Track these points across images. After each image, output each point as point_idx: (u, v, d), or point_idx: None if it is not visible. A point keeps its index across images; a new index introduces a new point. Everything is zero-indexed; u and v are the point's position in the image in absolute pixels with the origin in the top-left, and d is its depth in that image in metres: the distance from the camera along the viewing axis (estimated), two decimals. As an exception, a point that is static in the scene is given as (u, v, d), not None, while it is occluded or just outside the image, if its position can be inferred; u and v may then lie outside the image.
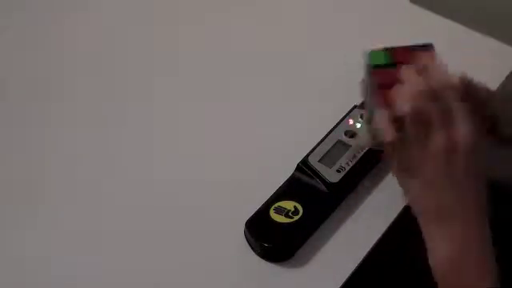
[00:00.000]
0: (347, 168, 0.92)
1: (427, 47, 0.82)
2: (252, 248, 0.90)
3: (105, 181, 0.97)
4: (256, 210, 0.91)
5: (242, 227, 0.90)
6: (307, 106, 1.02)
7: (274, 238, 0.89)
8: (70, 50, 1.10)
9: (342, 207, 0.93)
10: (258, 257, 0.89)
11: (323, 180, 0.92)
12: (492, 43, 1.08)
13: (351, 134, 0.95)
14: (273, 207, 0.91)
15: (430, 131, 0.74)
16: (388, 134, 0.76)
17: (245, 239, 0.91)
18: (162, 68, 1.08)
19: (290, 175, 0.93)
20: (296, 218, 0.90)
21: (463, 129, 0.74)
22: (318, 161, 0.93)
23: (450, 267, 0.77)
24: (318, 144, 0.94)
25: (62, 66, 1.09)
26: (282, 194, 0.92)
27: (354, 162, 0.93)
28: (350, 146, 0.94)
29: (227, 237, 0.91)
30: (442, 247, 0.77)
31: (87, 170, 0.98)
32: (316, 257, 0.90)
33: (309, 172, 0.93)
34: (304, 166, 0.93)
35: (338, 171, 0.92)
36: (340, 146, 0.94)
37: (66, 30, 1.13)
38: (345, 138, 0.95)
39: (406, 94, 0.75)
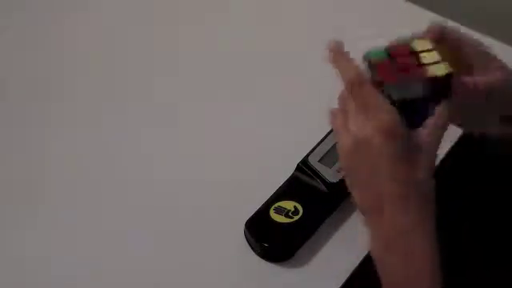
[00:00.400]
0: (347, 168, 0.92)
1: None
2: (252, 248, 0.90)
3: (105, 181, 0.97)
4: (256, 210, 0.91)
5: (242, 227, 0.90)
6: (307, 105, 1.02)
7: (274, 237, 0.89)
8: (69, 49, 1.11)
9: (342, 207, 0.93)
10: (258, 257, 0.90)
11: (323, 180, 0.92)
12: (491, 43, 1.08)
13: (351, 134, 0.94)
14: (273, 207, 0.91)
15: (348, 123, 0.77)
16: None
17: (245, 239, 0.91)
18: (162, 68, 1.08)
19: (290, 175, 0.94)
20: (296, 218, 0.90)
21: (375, 119, 0.75)
22: (318, 161, 0.93)
23: (381, 266, 0.77)
24: (318, 144, 0.94)
25: (62, 65, 1.09)
26: (282, 193, 0.92)
27: (354, 162, 0.93)
28: (350, 146, 0.94)
29: (227, 237, 0.91)
30: (377, 244, 0.77)
31: (87, 170, 0.98)
32: (316, 257, 0.90)
33: (309, 172, 0.93)
34: (304, 165, 0.93)
35: (338, 171, 0.92)
36: (340, 146, 0.94)
37: (65, 30, 1.13)
38: (345, 138, 0.94)
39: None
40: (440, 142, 0.77)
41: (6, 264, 0.90)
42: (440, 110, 0.77)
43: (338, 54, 0.81)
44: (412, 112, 0.78)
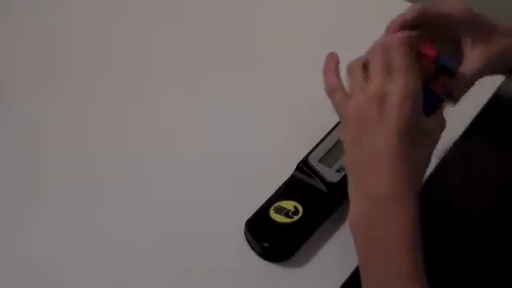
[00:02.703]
0: (347, 168, 0.92)
1: None
2: (252, 248, 0.90)
3: (104, 181, 0.97)
4: (256, 210, 0.91)
5: (242, 227, 0.90)
6: (307, 105, 1.02)
7: (274, 237, 0.89)
8: (69, 49, 1.11)
9: (342, 207, 0.93)
10: (258, 257, 0.90)
11: (323, 180, 0.92)
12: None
13: (351, 133, 0.94)
14: (273, 207, 0.91)
15: (369, 79, 0.78)
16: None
17: (245, 239, 0.91)
18: (162, 68, 1.08)
19: (289, 175, 0.93)
20: (296, 218, 0.90)
21: (397, 81, 0.76)
22: (318, 161, 0.93)
23: (363, 231, 0.77)
24: (318, 144, 0.94)
25: (61, 64, 1.09)
26: (282, 193, 0.92)
27: (354, 162, 0.93)
28: (350, 145, 0.94)
29: (227, 237, 0.91)
30: (359, 206, 0.77)
31: (86, 170, 0.98)
32: (316, 257, 0.90)
33: (309, 172, 0.93)
34: (304, 165, 0.93)
35: (338, 171, 0.92)
36: (340, 146, 0.93)
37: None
38: (345, 138, 0.94)
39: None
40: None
41: (6, 263, 0.90)
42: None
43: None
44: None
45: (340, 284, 0.88)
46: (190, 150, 0.99)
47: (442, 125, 0.80)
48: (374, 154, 0.76)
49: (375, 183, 0.76)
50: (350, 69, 0.81)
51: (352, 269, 0.89)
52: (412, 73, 0.76)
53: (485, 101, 1.00)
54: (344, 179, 0.92)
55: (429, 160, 0.79)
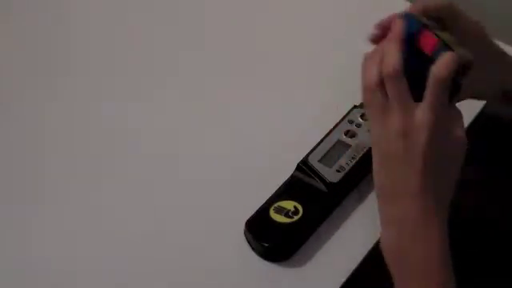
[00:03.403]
0: (347, 168, 0.92)
1: None
2: (252, 248, 0.90)
3: (104, 181, 0.97)
4: (256, 209, 0.91)
5: (242, 227, 0.90)
6: (307, 105, 1.02)
7: (274, 237, 0.89)
8: (69, 49, 1.11)
9: (342, 207, 0.93)
10: (258, 257, 0.90)
11: (323, 180, 0.92)
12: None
13: (351, 134, 0.95)
14: (273, 207, 0.91)
15: (388, 111, 0.76)
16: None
17: (245, 239, 0.91)
18: (162, 68, 1.08)
19: (289, 175, 0.94)
20: (296, 218, 0.90)
21: (420, 114, 0.75)
22: (318, 161, 0.93)
23: (396, 255, 0.77)
24: (318, 144, 0.94)
25: (61, 64, 1.08)
26: (281, 193, 0.92)
27: (353, 162, 0.93)
28: (350, 145, 0.94)
29: (227, 237, 0.91)
30: (390, 230, 0.77)
31: (86, 170, 0.98)
32: (316, 257, 0.90)
33: (309, 172, 0.93)
34: (304, 165, 0.93)
35: (338, 171, 0.92)
36: (340, 146, 0.94)
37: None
38: (345, 138, 0.95)
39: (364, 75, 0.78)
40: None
41: (5, 263, 0.90)
42: None
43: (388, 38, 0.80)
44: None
45: (340, 284, 0.88)
46: (189, 150, 0.99)
47: (462, 145, 0.77)
48: (401, 186, 0.76)
49: (404, 211, 0.76)
50: (366, 87, 0.79)
51: (352, 269, 0.89)
52: (432, 107, 0.75)
53: (481, 105, 1.00)
54: (344, 179, 0.92)
55: (454, 182, 0.78)
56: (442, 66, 0.75)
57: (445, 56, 0.76)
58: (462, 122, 0.78)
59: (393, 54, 0.76)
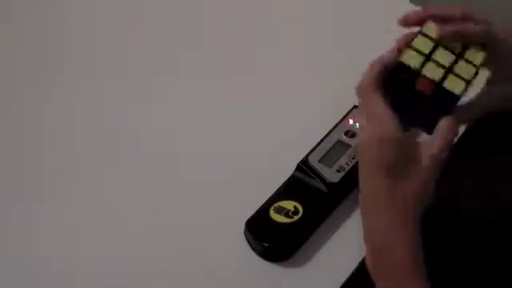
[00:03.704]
0: (347, 168, 0.92)
1: None
2: (252, 248, 0.90)
3: (104, 181, 0.97)
4: (256, 210, 0.91)
5: (242, 227, 0.90)
6: (307, 105, 1.02)
7: (274, 237, 0.89)
8: (69, 49, 1.11)
9: (342, 207, 0.93)
10: (258, 257, 0.90)
11: (323, 180, 0.92)
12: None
13: (351, 134, 0.95)
14: (273, 207, 0.91)
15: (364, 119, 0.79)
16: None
17: (245, 239, 0.91)
18: (162, 67, 1.08)
19: (289, 175, 0.94)
20: (296, 218, 0.90)
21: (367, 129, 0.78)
22: (318, 161, 0.93)
23: (372, 264, 0.78)
24: (318, 144, 0.94)
25: (61, 64, 1.09)
26: (282, 193, 0.92)
27: (353, 162, 0.93)
28: (350, 145, 0.94)
29: (227, 237, 0.91)
30: (369, 238, 0.79)
31: (86, 170, 0.98)
32: (316, 257, 0.90)
33: (309, 172, 0.93)
34: (304, 165, 0.93)
35: (338, 171, 0.92)
36: (340, 146, 0.94)
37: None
38: (345, 138, 0.95)
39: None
40: (442, 159, 0.78)
41: (6, 263, 0.90)
42: (451, 124, 0.78)
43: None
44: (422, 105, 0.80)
45: (340, 284, 0.88)
46: (189, 150, 0.99)
47: (430, 149, 0.78)
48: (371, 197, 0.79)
49: (375, 224, 0.78)
50: (359, 94, 0.81)
51: (352, 269, 0.89)
52: (380, 114, 0.78)
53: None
54: (344, 179, 0.92)
55: (424, 184, 0.78)
56: (441, 144, 0.77)
57: (442, 132, 0.78)
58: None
59: (369, 72, 0.79)
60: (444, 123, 0.78)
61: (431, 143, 0.78)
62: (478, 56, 0.81)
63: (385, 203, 0.77)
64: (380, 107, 0.78)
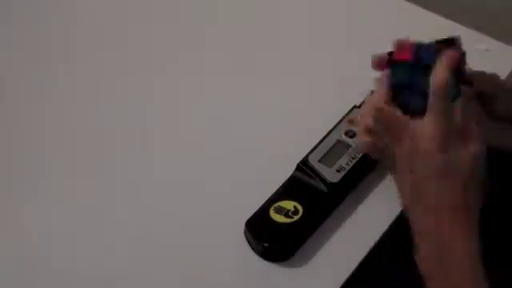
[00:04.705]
0: (347, 168, 0.92)
1: (452, 42, 0.83)
2: (252, 248, 0.90)
3: (104, 180, 0.97)
4: (256, 209, 0.91)
5: (242, 227, 0.90)
6: (307, 105, 1.02)
7: (274, 237, 0.89)
8: (69, 49, 1.11)
9: (342, 207, 0.93)
10: (258, 257, 0.90)
11: (323, 180, 0.92)
12: (491, 42, 1.08)
13: (351, 134, 0.95)
14: (273, 207, 0.91)
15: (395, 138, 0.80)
16: (361, 137, 0.84)
17: (245, 239, 0.91)
18: (162, 67, 1.08)
19: (289, 175, 0.94)
20: (296, 218, 0.90)
21: (425, 123, 0.78)
22: (318, 161, 0.93)
23: (432, 266, 0.78)
24: (318, 144, 0.94)
25: (61, 64, 1.09)
26: (282, 193, 0.92)
27: (353, 162, 0.93)
28: (350, 145, 0.94)
29: (227, 237, 0.91)
30: (425, 244, 0.79)
31: (86, 170, 0.98)
32: (316, 257, 0.90)
33: (309, 172, 0.93)
34: (304, 165, 0.93)
35: (338, 171, 0.92)
36: (340, 145, 0.94)
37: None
38: (345, 138, 0.95)
39: (366, 108, 0.84)
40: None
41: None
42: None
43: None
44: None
45: (340, 284, 0.88)
46: (190, 150, 0.99)
47: (475, 158, 0.79)
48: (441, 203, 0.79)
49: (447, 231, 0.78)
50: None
51: (352, 269, 0.89)
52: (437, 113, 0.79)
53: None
54: (344, 179, 0.92)
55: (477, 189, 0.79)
56: (439, 71, 0.78)
57: (440, 62, 0.77)
58: (480, 135, 0.79)
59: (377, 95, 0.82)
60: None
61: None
62: None
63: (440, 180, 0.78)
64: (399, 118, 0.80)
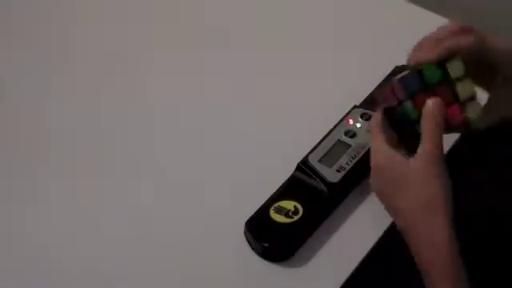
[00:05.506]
0: (347, 168, 0.92)
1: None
2: (252, 248, 0.90)
3: (104, 180, 0.97)
4: (256, 210, 0.91)
5: (242, 227, 0.90)
6: (307, 106, 1.02)
7: (274, 237, 0.89)
8: (69, 49, 1.11)
9: (342, 207, 0.93)
10: (258, 257, 0.90)
11: (323, 180, 0.92)
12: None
13: (351, 134, 0.95)
14: (273, 207, 0.91)
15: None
16: None
17: (245, 239, 0.91)
18: (162, 67, 1.08)
19: (290, 175, 0.94)
20: (296, 217, 0.90)
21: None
22: (318, 161, 0.93)
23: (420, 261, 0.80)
24: (318, 144, 0.94)
25: (61, 64, 1.09)
26: (281, 193, 0.92)
27: (353, 162, 0.93)
28: (350, 145, 0.94)
29: (227, 237, 0.91)
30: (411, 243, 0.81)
31: (86, 170, 0.98)
32: (316, 257, 0.90)
33: (309, 172, 0.93)
34: (304, 165, 0.93)
35: (338, 171, 0.92)
36: (340, 145, 0.94)
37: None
38: (345, 138, 0.95)
39: None
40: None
41: (6, 262, 0.90)
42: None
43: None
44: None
45: (340, 284, 0.88)
46: (190, 150, 0.99)
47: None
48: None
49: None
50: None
51: (352, 269, 0.89)
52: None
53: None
54: (344, 179, 0.92)
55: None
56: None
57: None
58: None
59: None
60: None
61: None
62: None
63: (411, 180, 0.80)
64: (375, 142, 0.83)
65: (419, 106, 0.80)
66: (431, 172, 0.79)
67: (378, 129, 0.84)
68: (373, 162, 0.83)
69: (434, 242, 0.78)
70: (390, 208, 0.82)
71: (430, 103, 0.80)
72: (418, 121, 0.81)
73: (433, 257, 0.78)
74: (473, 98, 0.81)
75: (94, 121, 1.02)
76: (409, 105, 0.81)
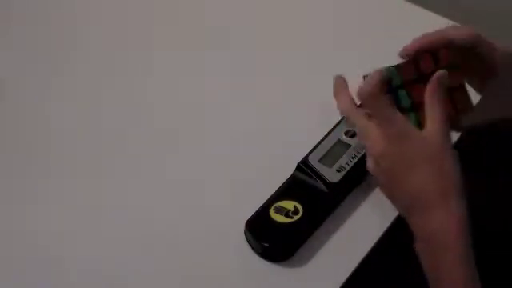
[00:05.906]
0: (347, 168, 0.92)
1: None
2: (252, 248, 0.90)
3: (104, 180, 0.97)
4: (256, 210, 0.91)
5: (242, 227, 0.90)
6: (307, 105, 1.02)
7: (274, 237, 0.89)
8: (69, 49, 1.11)
9: (342, 207, 0.93)
10: (258, 257, 0.90)
11: (323, 180, 0.92)
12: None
13: (351, 133, 0.95)
14: (273, 207, 0.91)
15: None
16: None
17: (245, 239, 0.91)
18: (162, 67, 1.08)
19: (289, 175, 0.94)
20: (296, 217, 0.90)
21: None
22: (318, 161, 0.93)
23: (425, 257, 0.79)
24: (318, 144, 0.94)
25: (61, 64, 1.09)
26: (282, 193, 0.92)
27: (354, 162, 0.93)
28: (350, 145, 0.94)
29: (227, 237, 0.91)
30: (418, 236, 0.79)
31: (86, 170, 0.98)
32: (316, 257, 0.90)
33: (309, 172, 0.93)
34: (304, 165, 0.93)
35: (338, 171, 0.92)
36: (340, 145, 0.94)
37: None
38: (345, 138, 0.95)
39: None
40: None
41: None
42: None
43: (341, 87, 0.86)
44: None
45: (340, 284, 0.88)
46: (190, 150, 0.99)
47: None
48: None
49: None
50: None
51: (352, 269, 0.89)
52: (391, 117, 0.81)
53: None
54: (344, 179, 0.92)
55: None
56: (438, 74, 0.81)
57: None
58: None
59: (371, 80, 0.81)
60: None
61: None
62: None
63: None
64: (389, 110, 0.80)
65: (413, 94, 0.81)
66: (448, 147, 0.79)
67: (386, 96, 0.81)
68: (388, 131, 0.79)
69: (448, 221, 0.77)
70: (397, 187, 0.79)
71: (435, 77, 0.80)
72: (410, 109, 0.81)
73: (447, 240, 0.77)
74: (462, 86, 0.83)
75: (94, 121, 1.02)
76: (403, 93, 0.82)
